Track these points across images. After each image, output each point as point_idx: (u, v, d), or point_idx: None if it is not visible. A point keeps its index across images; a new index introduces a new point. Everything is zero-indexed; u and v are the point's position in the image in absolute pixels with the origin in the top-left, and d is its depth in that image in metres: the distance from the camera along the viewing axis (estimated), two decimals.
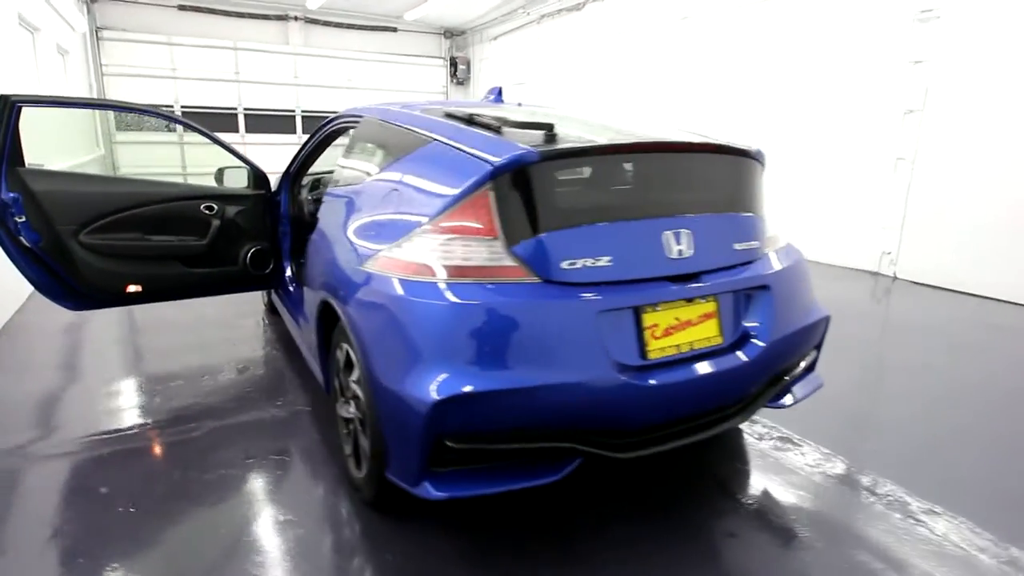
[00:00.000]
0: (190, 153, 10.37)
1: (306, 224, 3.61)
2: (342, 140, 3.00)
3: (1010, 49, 4.54)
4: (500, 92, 2.68)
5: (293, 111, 11.16)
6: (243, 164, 3.30)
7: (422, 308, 1.54)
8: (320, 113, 11.25)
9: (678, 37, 7.40)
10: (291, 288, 3.36)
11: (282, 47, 10.90)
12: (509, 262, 1.57)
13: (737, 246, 1.88)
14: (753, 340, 1.84)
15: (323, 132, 3.05)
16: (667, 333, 1.71)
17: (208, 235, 3.09)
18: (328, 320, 2.18)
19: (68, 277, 2.71)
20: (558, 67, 9.67)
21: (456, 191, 1.61)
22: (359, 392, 1.82)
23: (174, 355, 3.32)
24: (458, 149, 1.73)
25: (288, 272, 3.54)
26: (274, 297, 3.72)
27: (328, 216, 2.26)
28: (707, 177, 1.88)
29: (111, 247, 2.80)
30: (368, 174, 2.14)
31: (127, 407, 2.67)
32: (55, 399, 2.77)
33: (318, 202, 3.42)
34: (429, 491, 1.54)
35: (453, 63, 12.22)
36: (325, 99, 11.33)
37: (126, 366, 3.20)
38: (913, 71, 5.14)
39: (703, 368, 1.72)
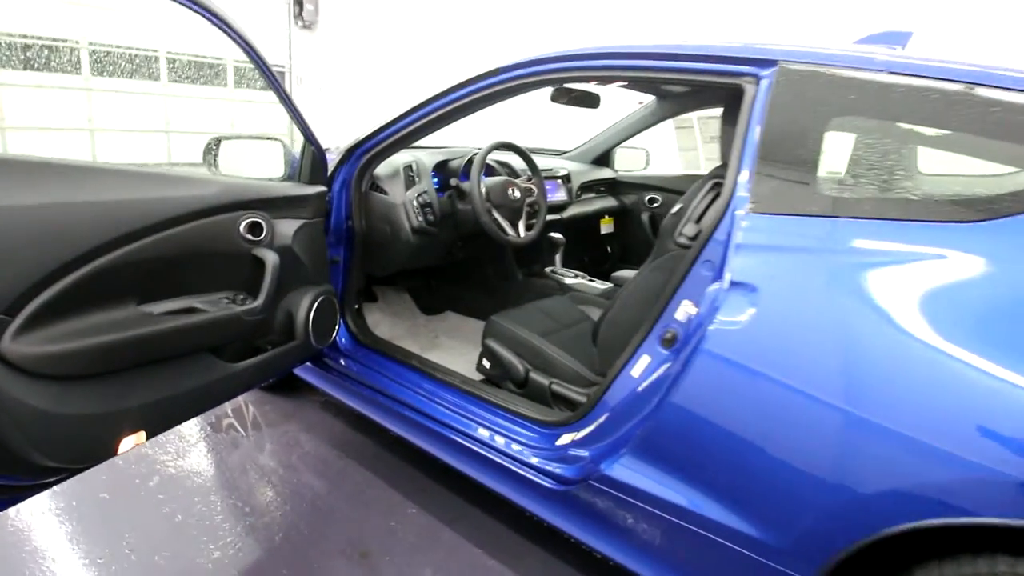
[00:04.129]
0: (100, 103, 6.79)
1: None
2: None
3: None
4: (908, 39, 1.56)
5: (67, 41, 7.83)
6: (303, 134, 1.64)
7: None
8: (110, 48, 8.07)
9: None
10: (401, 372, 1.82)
11: None
12: None
13: None
14: None
15: (484, 89, 1.59)
16: None
17: (263, 287, 1.44)
18: None
19: None
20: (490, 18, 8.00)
21: None
22: None
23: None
24: None
25: (345, 330, 1.96)
26: (317, 380, 2.06)
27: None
28: None
29: (80, 355, 1.04)
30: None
31: None
32: None
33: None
34: None
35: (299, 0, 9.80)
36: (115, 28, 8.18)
37: None
38: None
39: None
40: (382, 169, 1.96)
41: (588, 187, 2.74)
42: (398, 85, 8.56)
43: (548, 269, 2.45)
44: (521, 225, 2.06)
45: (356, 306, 2.05)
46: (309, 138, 1.66)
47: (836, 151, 1.07)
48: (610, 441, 1.30)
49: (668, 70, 1.33)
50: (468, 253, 2.32)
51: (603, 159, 2.91)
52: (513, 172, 2.31)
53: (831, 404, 0.94)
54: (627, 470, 1.22)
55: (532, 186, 2.12)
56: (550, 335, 1.82)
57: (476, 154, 2.03)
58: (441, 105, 1.69)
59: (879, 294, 0.94)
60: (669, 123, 2.65)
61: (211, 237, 1.33)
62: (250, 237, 1.43)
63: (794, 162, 1.09)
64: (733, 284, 1.07)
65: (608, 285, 2.24)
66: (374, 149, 1.84)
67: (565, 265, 2.58)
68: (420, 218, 1.91)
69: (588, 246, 2.89)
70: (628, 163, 2.96)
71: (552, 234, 2.40)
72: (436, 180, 2.08)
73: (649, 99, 2.56)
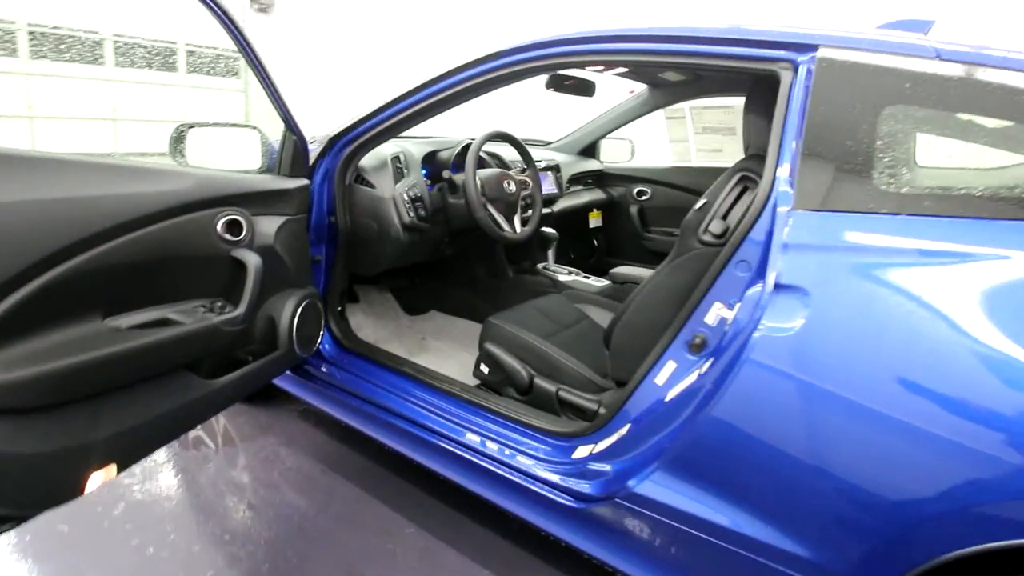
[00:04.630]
0: (42, 88, 6.20)
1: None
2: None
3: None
4: (929, 27, 1.49)
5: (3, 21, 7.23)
6: (284, 122, 1.49)
7: None
8: (53, 30, 7.53)
9: None
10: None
11: None
12: None
13: None
14: None
15: (483, 75, 1.47)
16: None
17: (245, 294, 1.29)
18: None
19: None
20: None
21: None
22: None
23: None
24: None
25: (328, 334, 1.83)
26: (296, 388, 1.91)
27: None
28: None
29: (39, 383, 0.88)
30: None
31: None
32: None
33: None
34: None
35: None
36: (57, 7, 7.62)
37: None
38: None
39: None
40: (367, 161, 1.81)
41: (576, 179, 2.65)
42: (359, 72, 8.27)
43: (540, 266, 2.35)
44: (516, 220, 1.94)
45: (339, 308, 1.90)
46: (291, 126, 1.50)
47: (889, 143, 0.99)
48: (636, 455, 1.20)
49: (690, 54, 1.23)
50: (456, 250, 2.19)
51: (589, 150, 2.81)
52: (504, 164, 2.19)
53: (894, 418, 0.87)
54: (660, 487, 1.13)
55: (527, 179, 2.01)
56: (551, 337, 1.72)
57: (469, 144, 1.90)
58: (435, 92, 1.56)
59: (945, 299, 0.87)
60: (659, 114, 2.58)
61: (186, 238, 1.18)
62: (228, 237, 1.28)
63: (844, 155, 1.01)
64: (779, 287, 0.99)
65: (605, 282, 2.15)
66: (359, 139, 1.70)
67: (540, 258, 2.48)
68: (411, 213, 1.77)
69: (575, 240, 2.79)
70: (614, 154, 2.88)
71: (544, 229, 2.29)
72: (425, 172, 1.94)
73: (641, 89, 2.48)
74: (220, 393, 1.29)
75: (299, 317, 1.48)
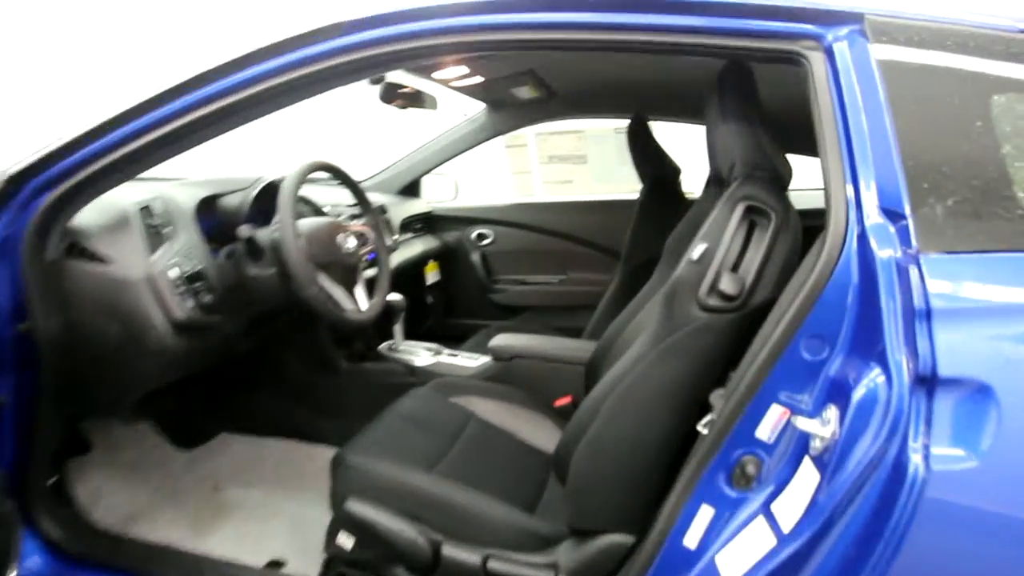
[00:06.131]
0: None
1: None
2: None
3: None
4: None
5: None
6: None
7: None
8: None
9: None
10: None
11: None
12: None
13: None
14: None
15: (312, 63, 0.90)
16: None
17: None
18: None
19: None
20: None
21: None
22: None
23: None
24: None
25: (36, 541, 1.01)
26: None
27: None
28: None
29: None
30: None
31: None
32: None
33: None
34: None
35: None
36: None
37: None
38: None
39: None
40: (90, 216, 1.02)
41: (405, 225, 2.08)
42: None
43: (385, 346, 1.71)
44: (359, 291, 1.31)
45: (52, 481, 1.06)
46: None
47: (1019, 146, 0.68)
48: None
49: (669, 29, 0.82)
50: (256, 343, 1.45)
51: (411, 189, 2.28)
52: (318, 210, 1.54)
53: None
54: None
55: (365, 229, 1.39)
56: (441, 464, 1.14)
57: (273, 183, 1.24)
58: (224, 92, 0.91)
59: None
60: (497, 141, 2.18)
61: None
62: None
63: (967, 168, 0.67)
64: (928, 382, 0.59)
65: (483, 360, 1.61)
66: (70, 179, 0.94)
67: (383, 334, 1.84)
68: (189, 302, 1.03)
69: (410, 301, 2.22)
70: (437, 193, 2.39)
71: (388, 296, 1.68)
72: (202, 229, 1.20)
73: (477, 112, 2.04)
74: None
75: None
